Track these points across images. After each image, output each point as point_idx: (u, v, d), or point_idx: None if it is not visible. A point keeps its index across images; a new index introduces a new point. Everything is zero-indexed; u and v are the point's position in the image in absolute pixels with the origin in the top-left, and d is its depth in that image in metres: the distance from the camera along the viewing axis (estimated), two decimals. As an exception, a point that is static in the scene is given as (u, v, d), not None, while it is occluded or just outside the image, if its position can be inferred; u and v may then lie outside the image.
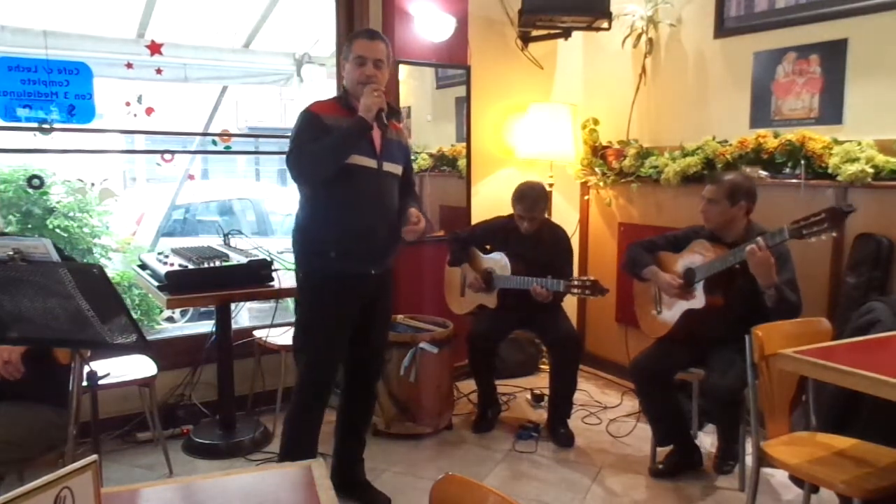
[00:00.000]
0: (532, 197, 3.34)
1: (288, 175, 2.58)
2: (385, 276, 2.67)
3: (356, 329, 2.67)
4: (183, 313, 5.60)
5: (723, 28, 3.53)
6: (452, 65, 4.01)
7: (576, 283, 3.10)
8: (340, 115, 2.50)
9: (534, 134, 4.11)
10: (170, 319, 5.46)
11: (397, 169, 2.63)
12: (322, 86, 5.44)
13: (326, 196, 2.52)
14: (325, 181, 2.47)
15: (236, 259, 3.12)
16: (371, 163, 2.52)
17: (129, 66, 3.91)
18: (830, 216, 2.35)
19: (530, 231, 3.38)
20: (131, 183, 7.56)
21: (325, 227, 2.52)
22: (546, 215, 3.64)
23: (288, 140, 2.58)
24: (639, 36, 3.86)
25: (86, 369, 2.12)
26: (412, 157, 2.90)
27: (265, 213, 6.84)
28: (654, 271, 2.97)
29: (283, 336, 3.38)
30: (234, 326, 3.39)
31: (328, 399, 2.65)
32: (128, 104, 3.51)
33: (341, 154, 2.45)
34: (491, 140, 4.31)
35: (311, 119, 2.50)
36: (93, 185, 4.77)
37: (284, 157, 2.54)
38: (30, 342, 2.07)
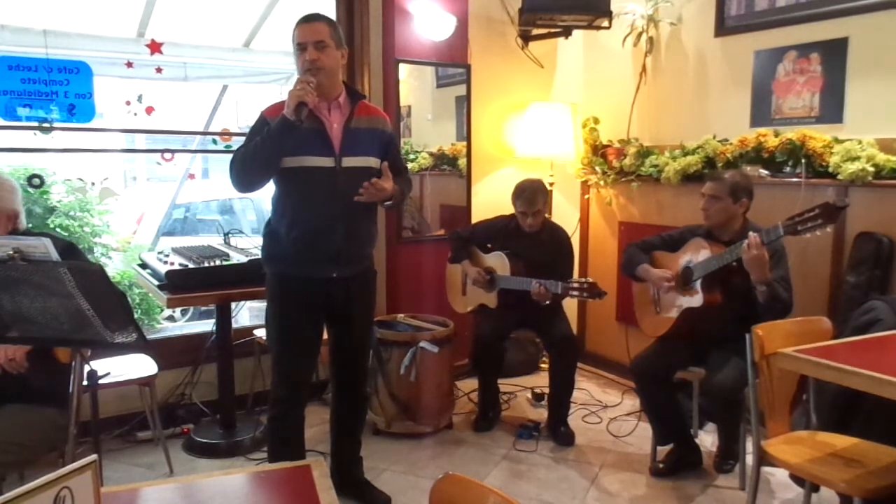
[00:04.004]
0: (531, 190, 3.33)
1: None
2: (359, 278, 2.57)
3: (335, 334, 2.65)
4: (183, 312, 5.60)
5: (723, 27, 3.52)
6: (453, 64, 4.01)
7: (574, 284, 3.08)
8: None
9: (534, 133, 4.11)
10: (170, 319, 5.47)
11: (367, 161, 2.45)
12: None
13: (283, 198, 2.45)
14: (259, 186, 2.40)
15: (236, 258, 3.12)
16: (326, 161, 2.37)
17: (130, 65, 3.91)
18: (824, 211, 2.35)
19: (535, 228, 3.37)
20: (132, 182, 7.56)
21: (283, 229, 2.44)
22: (547, 215, 3.63)
23: None
24: (639, 35, 3.86)
25: (86, 369, 2.12)
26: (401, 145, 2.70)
27: (265, 212, 6.83)
28: (646, 269, 2.98)
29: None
30: (234, 326, 3.40)
31: (301, 402, 2.60)
32: (128, 103, 3.51)
33: (263, 158, 2.30)
34: (491, 139, 4.31)
35: (257, 122, 2.42)
36: (93, 184, 4.76)
37: None
38: (30, 342, 2.07)
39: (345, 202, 2.40)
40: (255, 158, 2.32)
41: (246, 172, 2.36)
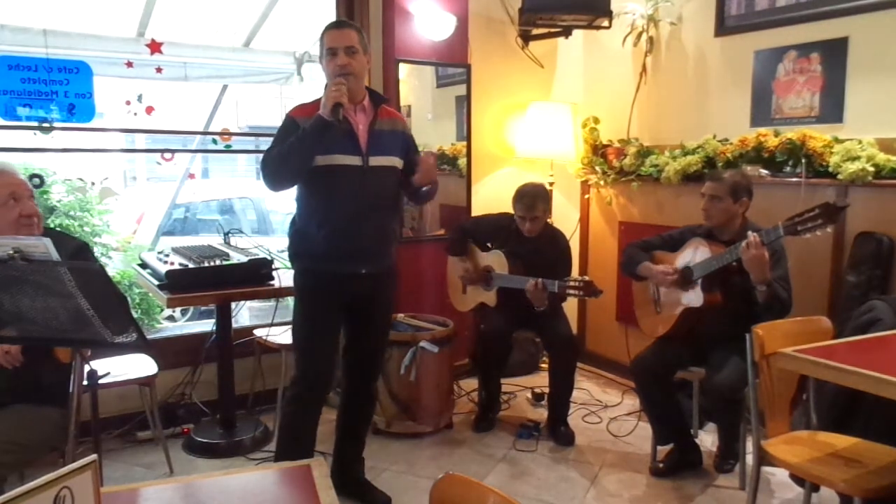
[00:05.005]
0: (531, 195, 3.32)
1: None
2: (382, 275, 2.61)
3: (354, 329, 2.66)
4: (183, 312, 5.60)
5: (723, 26, 3.52)
6: (453, 63, 4.01)
7: (570, 283, 3.07)
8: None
9: (534, 133, 4.11)
10: (170, 318, 5.46)
11: (391, 161, 2.53)
12: (322, 84, 5.43)
13: (311, 196, 2.50)
14: (293, 184, 2.46)
15: (237, 258, 3.12)
16: (354, 160, 2.44)
17: (130, 64, 3.91)
18: (825, 211, 2.36)
19: (534, 233, 3.36)
20: (132, 182, 7.54)
21: (312, 227, 2.49)
22: (549, 219, 3.61)
23: None
24: (639, 34, 3.86)
25: (86, 368, 2.12)
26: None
27: (265, 211, 6.83)
28: (648, 266, 2.98)
29: (283, 335, 3.37)
30: (234, 325, 3.40)
31: (322, 397, 2.62)
32: (128, 103, 3.51)
33: (299, 157, 2.36)
34: (491, 139, 4.31)
35: (286, 123, 2.47)
36: (93, 184, 4.77)
37: None
38: (30, 341, 2.07)
39: (372, 200, 2.47)
40: (290, 158, 2.38)
41: (282, 172, 2.42)
